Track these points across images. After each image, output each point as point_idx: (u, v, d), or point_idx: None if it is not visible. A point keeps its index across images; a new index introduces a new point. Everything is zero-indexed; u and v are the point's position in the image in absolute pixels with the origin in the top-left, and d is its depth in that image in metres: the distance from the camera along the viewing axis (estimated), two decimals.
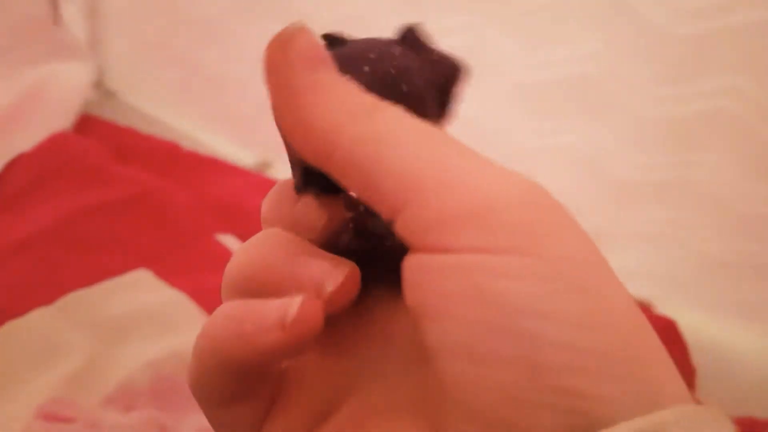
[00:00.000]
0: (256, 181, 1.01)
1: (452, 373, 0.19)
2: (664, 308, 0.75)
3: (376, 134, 0.20)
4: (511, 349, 0.18)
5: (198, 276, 0.78)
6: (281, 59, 0.22)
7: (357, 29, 0.80)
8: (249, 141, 1.09)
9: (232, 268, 0.24)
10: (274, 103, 0.21)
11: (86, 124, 1.10)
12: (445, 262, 0.19)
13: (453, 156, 0.20)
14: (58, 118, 1.08)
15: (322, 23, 0.78)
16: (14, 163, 0.95)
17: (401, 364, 0.23)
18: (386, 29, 0.27)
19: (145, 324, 0.70)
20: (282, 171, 1.04)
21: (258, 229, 0.25)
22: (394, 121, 0.20)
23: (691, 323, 0.74)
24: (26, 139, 1.01)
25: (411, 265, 0.20)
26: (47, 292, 0.72)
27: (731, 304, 0.75)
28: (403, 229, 0.20)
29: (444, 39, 0.82)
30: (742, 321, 0.75)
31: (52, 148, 0.99)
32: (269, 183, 1.01)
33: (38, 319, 0.68)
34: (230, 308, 0.23)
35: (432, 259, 0.19)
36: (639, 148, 0.71)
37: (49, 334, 0.67)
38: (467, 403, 0.19)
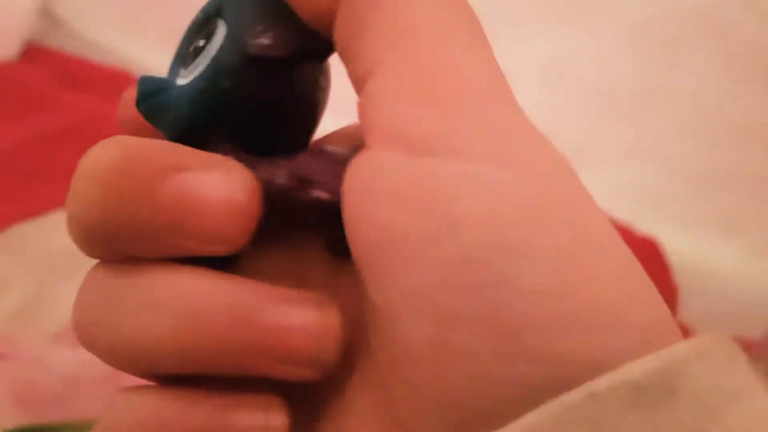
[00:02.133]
0: None
1: (402, 341, 0.16)
2: (646, 226, 0.73)
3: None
4: (477, 303, 0.15)
5: None
6: None
7: None
8: None
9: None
10: None
11: (32, 53, 1.07)
12: (400, 163, 0.16)
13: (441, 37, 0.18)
14: (2, 47, 1.04)
15: None
16: None
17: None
18: None
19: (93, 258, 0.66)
20: None
21: None
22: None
23: (673, 241, 0.73)
24: None
25: (357, 169, 0.17)
26: None
27: (714, 219, 0.73)
28: (360, 106, 0.18)
29: None
30: (726, 236, 0.74)
31: None
32: None
33: None
34: None
35: (384, 159, 0.16)
36: (619, 55, 0.68)
37: None
38: (425, 386, 0.16)
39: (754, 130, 0.66)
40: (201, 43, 0.20)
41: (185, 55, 0.21)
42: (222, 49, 0.20)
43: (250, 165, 0.19)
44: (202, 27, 0.21)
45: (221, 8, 0.20)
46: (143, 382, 0.19)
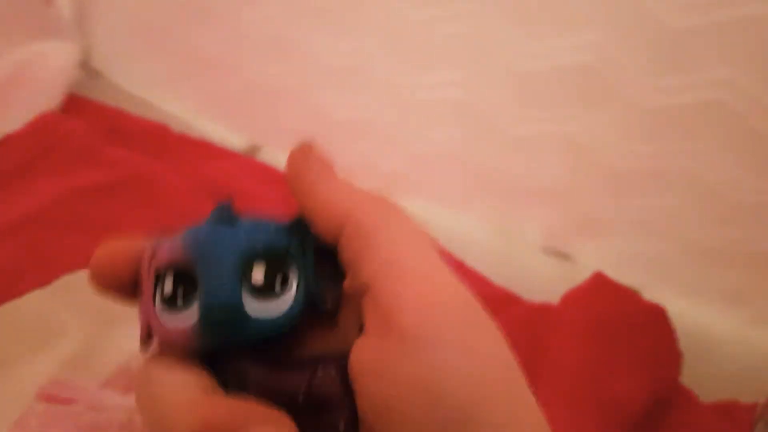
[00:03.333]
0: (247, 164, 1.01)
1: None
2: (653, 295, 0.76)
3: (373, 219, 0.26)
4: None
5: None
6: (303, 161, 0.28)
7: (357, 15, 0.79)
8: (238, 124, 1.09)
9: None
10: (297, 192, 0.28)
11: (73, 104, 1.09)
12: (398, 349, 0.23)
13: (417, 255, 0.25)
14: (44, 99, 1.07)
15: (320, 8, 0.78)
16: (2, 144, 0.94)
17: None
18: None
19: None
20: (271, 154, 1.04)
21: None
22: (384, 211, 0.26)
23: (678, 309, 0.75)
24: (12, 119, 1.00)
25: (378, 351, 0.23)
26: (42, 274, 0.72)
27: (717, 291, 0.76)
28: (367, 305, 0.24)
29: (442, 26, 0.83)
30: (728, 307, 0.76)
31: (41, 128, 0.98)
32: (259, 166, 1.01)
33: (34, 301, 0.68)
34: None
35: (389, 345, 0.23)
36: (633, 138, 0.72)
37: (45, 316, 0.67)
38: None
39: (754, 210, 0.70)
40: (277, 289, 0.25)
41: (257, 287, 0.25)
42: (300, 303, 0.26)
43: (274, 381, 0.25)
44: (273, 263, 0.25)
45: (293, 257, 0.26)
46: None
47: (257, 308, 0.25)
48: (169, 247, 0.25)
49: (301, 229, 0.27)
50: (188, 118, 1.10)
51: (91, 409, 0.55)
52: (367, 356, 0.24)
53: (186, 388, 0.24)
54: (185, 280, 0.25)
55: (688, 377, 0.73)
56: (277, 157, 1.03)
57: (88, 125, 1.01)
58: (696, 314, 0.77)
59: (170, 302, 0.25)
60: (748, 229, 0.71)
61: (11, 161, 0.92)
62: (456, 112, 0.83)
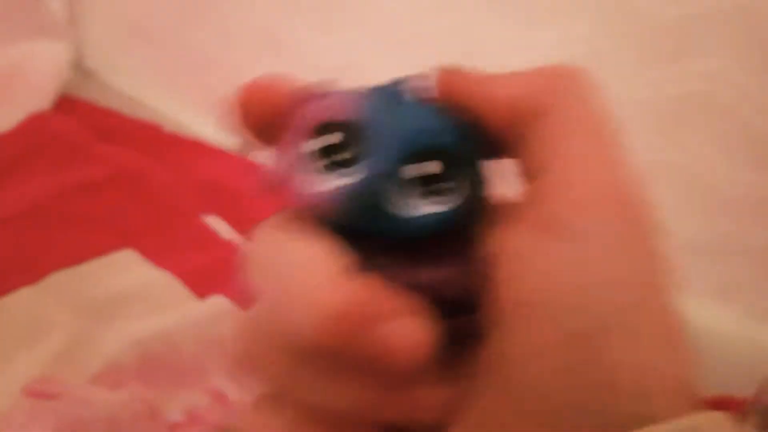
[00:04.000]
0: (239, 163, 1.01)
1: (525, 382, 0.21)
2: None
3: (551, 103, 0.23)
4: (585, 365, 0.20)
5: (183, 256, 0.78)
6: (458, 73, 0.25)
7: (353, 12, 0.79)
8: (231, 123, 1.08)
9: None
10: (463, 93, 0.24)
11: (65, 104, 1.10)
12: (555, 241, 0.21)
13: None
14: (36, 99, 1.07)
15: (314, 6, 0.78)
16: None
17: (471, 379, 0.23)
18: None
19: (132, 303, 0.70)
20: (263, 153, 1.04)
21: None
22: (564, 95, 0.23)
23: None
24: (4, 119, 1.01)
25: (529, 242, 0.22)
26: (31, 271, 0.72)
27: (710, 285, 0.76)
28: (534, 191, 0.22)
29: (433, 18, 0.83)
30: (721, 301, 0.76)
31: (33, 127, 0.99)
32: (251, 165, 1.01)
33: (23, 298, 0.68)
34: None
35: (544, 235, 0.21)
36: (623, 131, 0.72)
37: (34, 313, 0.67)
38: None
39: (747, 203, 0.70)
40: (442, 184, 0.23)
41: (425, 180, 0.23)
42: None
43: (406, 272, 0.22)
44: (431, 155, 0.23)
45: (458, 160, 0.23)
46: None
47: (416, 199, 0.22)
48: (340, 101, 0.23)
49: (475, 133, 0.24)
50: (180, 117, 1.10)
51: (77, 405, 0.55)
52: (518, 243, 0.22)
53: (326, 263, 0.21)
54: (349, 136, 0.22)
55: None
56: (269, 156, 1.02)
57: (80, 124, 1.02)
58: (688, 308, 0.77)
59: (327, 159, 0.22)
60: (740, 223, 0.71)
61: (3, 159, 0.92)
62: None
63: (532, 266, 0.21)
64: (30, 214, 0.81)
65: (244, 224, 0.86)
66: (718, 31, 0.64)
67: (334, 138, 0.22)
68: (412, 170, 0.22)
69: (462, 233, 0.23)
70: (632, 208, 0.22)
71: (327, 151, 0.22)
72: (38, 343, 0.63)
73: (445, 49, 0.80)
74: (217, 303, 0.70)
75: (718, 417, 0.20)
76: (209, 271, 0.77)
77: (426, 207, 0.22)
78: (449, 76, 0.24)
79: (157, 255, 0.78)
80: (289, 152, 0.23)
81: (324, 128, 0.23)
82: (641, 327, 0.20)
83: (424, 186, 0.22)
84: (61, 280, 0.72)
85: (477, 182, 0.23)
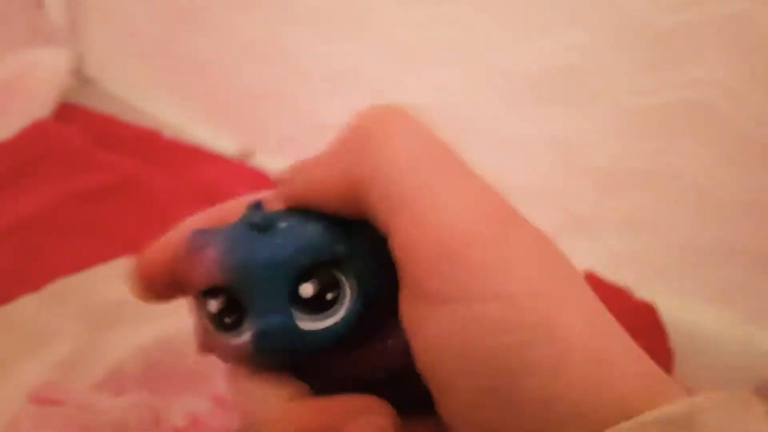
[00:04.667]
0: (238, 170, 1.02)
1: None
2: (643, 292, 0.77)
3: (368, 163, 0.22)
4: (506, 418, 0.20)
5: None
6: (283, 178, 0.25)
7: (350, 20, 0.80)
8: (231, 130, 1.09)
9: None
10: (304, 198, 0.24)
11: (66, 111, 1.09)
12: (438, 315, 0.20)
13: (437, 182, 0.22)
14: (37, 106, 1.07)
15: (312, 14, 0.78)
16: None
17: None
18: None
19: (133, 310, 0.70)
20: (264, 160, 1.04)
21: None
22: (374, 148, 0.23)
23: (668, 307, 0.76)
24: (5, 127, 1.01)
25: (409, 312, 0.21)
26: (34, 279, 0.72)
27: (708, 289, 0.77)
28: (399, 259, 0.22)
29: (432, 29, 0.83)
30: (719, 305, 0.77)
31: (34, 135, 0.99)
32: (251, 172, 1.01)
33: (26, 305, 0.68)
34: None
35: (426, 310, 0.21)
36: (618, 137, 0.73)
37: (37, 320, 0.67)
38: None
39: (743, 208, 0.70)
40: (329, 296, 0.23)
41: (309, 302, 0.23)
42: (357, 314, 0.23)
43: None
44: (314, 273, 0.23)
45: (343, 261, 0.23)
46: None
47: (311, 323, 0.23)
48: (207, 267, 0.23)
49: (343, 220, 0.24)
50: (180, 123, 1.10)
51: (82, 412, 0.55)
52: (406, 319, 0.22)
53: (274, 397, 0.22)
54: (230, 299, 0.23)
55: (679, 375, 0.72)
56: (270, 163, 1.03)
57: (80, 132, 1.01)
58: (687, 312, 0.77)
59: (218, 323, 0.24)
60: (737, 227, 0.72)
61: (4, 168, 0.92)
62: (445, 114, 0.83)
63: (421, 338, 0.21)
64: (31, 222, 0.81)
65: None
66: (713, 38, 0.65)
67: (219, 302, 0.23)
68: (297, 297, 0.23)
69: (379, 313, 0.23)
70: (490, 240, 0.20)
71: (220, 313, 0.24)
72: (42, 350, 0.64)
73: (444, 59, 0.81)
74: None
75: (725, 397, 0.19)
76: None
77: (321, 322, 0.23)
78: (280, 188, 0.24)
79: None
80: (195, 316, 0.25)
81: (208, 292, 0.24)
82: (540, 361, 0.19)
83: (312, 306, 0.23)
84: (63, 287, 0.72)
85: (368, 267, 0.23)
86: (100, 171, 0.92)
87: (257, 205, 0.24)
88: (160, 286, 0.26)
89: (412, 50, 0.85)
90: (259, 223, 0.23)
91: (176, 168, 0.99)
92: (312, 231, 0.23)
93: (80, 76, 1.21)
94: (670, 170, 0.72)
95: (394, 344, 0.23)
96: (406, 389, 0.22)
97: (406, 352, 0.22)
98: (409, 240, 0.21)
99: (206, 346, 0.25)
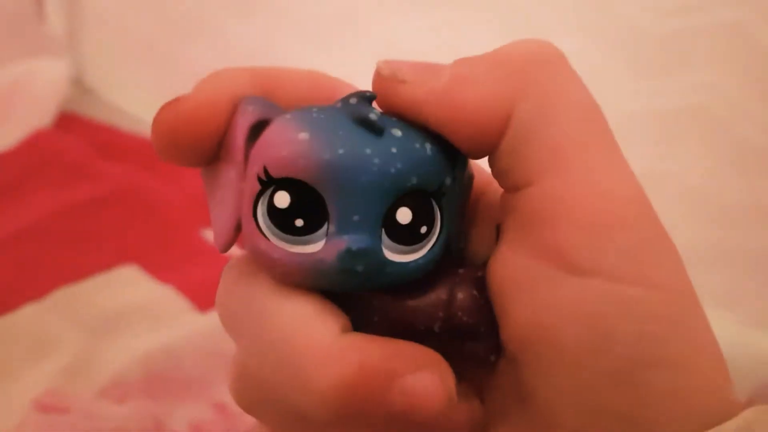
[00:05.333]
0: None
1: (557, 428, 0.19)
2: None
3: (536, 106, 0.20)
4: (623, 403, 0.19)
5: (185, 270, 0.79)
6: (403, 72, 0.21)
7: (349, 29, 0.81)
8: None
9: None
10: (424, 109, 0.20)
11: (66, 121, 1.10)
12: (556, 279, 0.19)
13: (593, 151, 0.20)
14: (37, 116, 1.08)
15: (311, 23, 0.79)
16: None
17: (502, 409, 0.22)
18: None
19: (136, 318, 0.71)
20: None
21: None
22: (548, 93, 0.20)
23: None
24: (5, 136, 1.01)
25: (526, 272, 0.20)
26: (36, 287, 0.72)
27: (706, 293, 0.77)
28: (527, 207, 0.20)
29: (428, 38, 0.83)
30: (717, 310, 0.77)
31: (34, 145, 1.00)
32: None
33: (29, 314, 0.69)
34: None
35: (540, 272, 0.19)
36: (618, 142, 0.73)
37: (40, 328, 0.67)
38: None
39: (741, 212, 0.71)
40: (423, 230, 0.20)
41: (401, 229, 0.20)
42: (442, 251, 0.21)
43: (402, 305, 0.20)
44: (413, 198, 0.20)
45: (444, 194, 0.20)
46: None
47: (394, 253, 0.20)
48: (295, 155, 0.19)
49: (452, 151, 0.21)
50: None
51: (86, 419, 0.55)
52: (514, 273, 0.20)
53: (324, 327, 0.19)
54: (304, 199, 0.19)
55: None
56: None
57: (80, 141, 1.02)
58: None
59: (282, 221, 0.19)
60: (735, 231, 0.72)
61: (4, 178, 0.93)
62: None
63: (541, 300, 0.19)
64: (33, 231, 0.82)
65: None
66: (711, 44, 0.66)
67: (292, 196, 0.19)
68: (390, 220, 0.19)
69: (448, 261, 0.21)
70: (648, 225, 0.19)
71: (287, 210, 0.19)
72: (44, 358, 0.64)
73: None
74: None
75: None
76: (210, 285, 0.77)
77: (405, 255, 0.20)
78: (393, 88, 0.21)
79: (158, 270, 0.79)
80: (246, 207, 0.20)
81: (278, 182, 0.19)
82: (674, 356, 0.19)
83: (400, 232, 0.20)
84: (65, 296, 0.72)
85: (453, 210, 0.21)
86: (100, 180, 0.92)
87: (367, 98, 0.20)
88: (192, 150, 0.20)
89: (412, 57, 0.85)
90: (374, 122, 0.19)
91: (174, 176, 0.99)
92: (428, 151, 0.20)
93: (80, 86, 1.21)
94: (669, 176, 0.72)
95: (462, 299, 0.20)
96: (457, 350, 0.20)
97: (470, 311, 0.20)
98: (561, 200, 0.19)
99: (248, 244, 0.20)
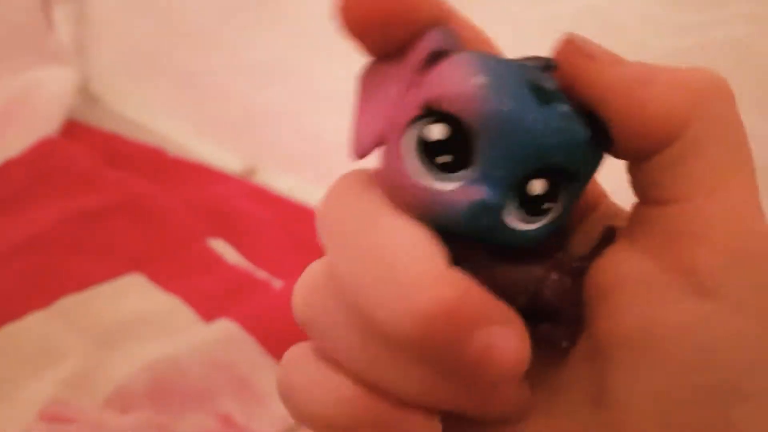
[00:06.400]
0: (243, 187, 1.03)
1: (631, 426, 0.20)
2: None
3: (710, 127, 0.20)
4: (708, 427, 0.19)
5: (190, 280, 0.79)
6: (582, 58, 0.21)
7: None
8: (235, 147, 1.10)
9: None
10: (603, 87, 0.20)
11: (72, 129, 1.10)
12: (681, 290, 0.19)
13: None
14: (43, 124, 1.08)
15: (320, 34, 0.79)
16: (2, 170, 0.96)
17: (569, 406, 0.22)
18: None
19: (141, 327, 0.71)
20: (267, 176, 1.05)
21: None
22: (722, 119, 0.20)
23: None
24: (11, 145, 1.02)
25: (638, 268, 0.20)
26: (42, 296, 0.73)
27: None
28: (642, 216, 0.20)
29: None
30: None
31: (41, 153, 1.00)
32: (255, 189, 1.02)
33: (34, 322, 0.69)
34: None
35: (670, 279, 0.19)
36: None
37: (46, 337, 0.68)
38: None
39: None
40: (545, 206, 0.20)
41: (524, 194, 0.20)
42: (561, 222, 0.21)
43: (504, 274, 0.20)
44: (548, 174, 0.20)
45: (574, 181, 0.20)
46: None
47: (515, 218, 0.20)
48: (464, 90, 0.19)
49: (601, 144, 0.20)
50: (185, 141, 1.11)
51: (91, 429, 0.56)
52: (632, 276, 0.20)
53: (433, 254, 0.19)
54: (460, 135, 0.19)
55: None
56: (273, 180, 1.04)
57: (86, 150, 1.03)
58: None
59: (427, 153, 0.19)
60: None
61: (13, 186, 0.93)
62: None
63: (659, 310, 0.19)
64: (39, 240, 0.82)
65: (249, 248, 0.87)
66: (711, 63, 0.66)
67: (448, 132, 0.19)
68: (523, 184, 0.20)
69: (555, 240, 0.21)
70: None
71: (438, 145, 0.19)
72: (50, 367, 0.65)
73: None
74: (224, 327, 0.71)
75: None
76: (215, 295, 0.78)
77: (521, 223, 0.20)
78: (581, 61, 0.20)
79: (164, 279, 0.79)
80: (398, 126, 0.20)
81: (442, 115, 0.19)
82: None
83: (527, 200, 0.20)
84: (71, 304, 0.73)
85: (578, 192, 0.21)
86: (106, 189, 0.93)
87: (546, 66, 0.21)
88: (385, 29, 0.20)
89: None
90: (547, 90, 0.20)
91: (182, 185, 1.00)
92: (584, 135, 0.20)
93: (86, 95, 1.22)
94: None
95: (555, 281, 0.20)
96: (530, 329, 0.20)
97: (559, 294, 0.20)
98: (708, 223, 0.19)
99: (385, 161, 0.20)
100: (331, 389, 0.20)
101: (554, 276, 0.20)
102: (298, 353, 0.22)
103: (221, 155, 1.09)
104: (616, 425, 0.20)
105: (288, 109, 1.03)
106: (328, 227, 0.21)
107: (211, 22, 1.07)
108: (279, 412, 0.64)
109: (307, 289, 0.21)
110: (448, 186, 0.19)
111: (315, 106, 0.99)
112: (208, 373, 0.67)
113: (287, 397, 0.21)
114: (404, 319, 0.18)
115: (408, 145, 0.20)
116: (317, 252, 0.21)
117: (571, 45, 0.21)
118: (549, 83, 0.20)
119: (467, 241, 0.20)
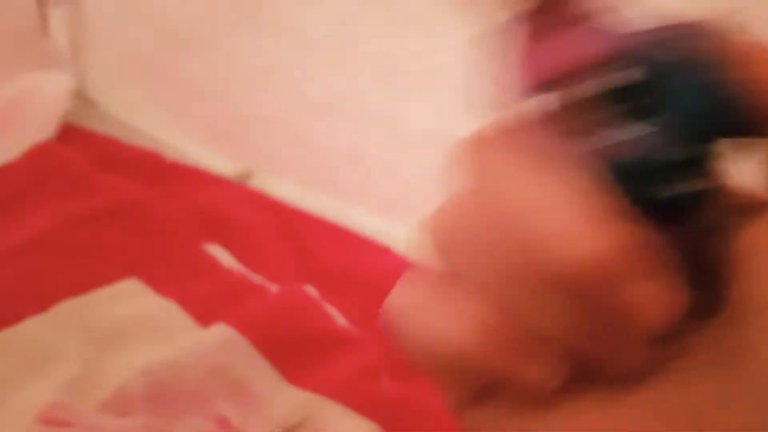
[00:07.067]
0: (239, 191, 1.03)
1: None
2: None
3: None
4: None
5: (186, 285, 0.80)
6: None
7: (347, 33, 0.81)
8: (231, 152, 1.10)
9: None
10: None
11: (68, 133, 1.10)
12: None
13: None
14: (39, 128, 1.08)
15: (312, 40, 0.80)
16: None
17: (700, 368, 0.21)
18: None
19: (137, 332, 0.72)
20: (263, 181, 1.06)
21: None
22: None
23: None
24: (8, 149, 1.02)
25: None
26: (39, 300, 0.73)
27: None
28: None
29: (430, 57, 0.84)
30: None
31: (37, 158, 1.00)
32: (251, 193, 1.03)
33: (32, 327, 0.70)
34: None
35: None
36: None
37: (43, 341, 0.68)
38: None
39: None
40: (714, 169, 0.20)
41: (698, 155, 0.20)
42: None
43: None
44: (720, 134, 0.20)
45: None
46: None
47: (687, 175, 0.19)
48: (654, 36, 0.19)
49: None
50: (180, 145, 1.11)
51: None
52: None
53: (596, 199, 0.18)
54: (643, 92, 0.19)
55: None
56: (269, 184, 1.04)
57: (82, 154, 1.03)
58: None
59: (606, 98, 0.19)
60: None
61: (8, 190, 0.93)
62: (445, 141, 0.84)
63: None
64: (36, 244, 0.83)
65: (244, 252, 0.88)
66: None
67: (633, 78, 0.19)
68: (688, 147, 0.19)
69: (699, 207, 0.21)
70: None
71: (622, 92, 0.19)
72: (48, 370, 0.65)
73: (443, 86, 0.82)
74: (220, 331, 0.72)
75: None
76: (211, 300, 0.78)
77: (681, 185, 0.20)
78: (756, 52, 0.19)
79: (160, 284, 0.79)
80: (573, 71, 0.20)
81: (621, 63, 0.19)
82: None
83: (698, 159, 0.20)
84: (68, 309, 0.73)
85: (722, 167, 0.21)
86: (102, 193, 0.93)
87: (705, 29, 0.20)
88: None
89: (411, 76, 0.86)
90: (718, 68, 0.19)
91: (177, 189, 1.00)
92: (739, 102, 0.19)
93: (82, 99, 1.22)
94: None
95: (703, 246, 0.20)
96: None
97: (710, 262, 0.20)
98: None
99: (563, 108, 0.20)
100: (475, 315, 0.20)
101: (698, 246, 0.20)
102: (418, 286, 0.21)
103: (217, 160, 1.09)
104: (758, 378, 0.19)
105: (283, 115, 1.03)
106: (491, 162, 0.20)
107: (207, 27, 1.08)
108: (275, 414, 0.65)
109: (452, 216, 0.21)
110: (625, 135, 0.19)
111: (310, 112, 0.99)
112: (205, 376, 0.67)
113: (416, 327, 0.20)
114: (553, 260, 0.18)
115: (589, 91, 0.19)
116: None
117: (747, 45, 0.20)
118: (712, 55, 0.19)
119: (638, 194, 0.19)
